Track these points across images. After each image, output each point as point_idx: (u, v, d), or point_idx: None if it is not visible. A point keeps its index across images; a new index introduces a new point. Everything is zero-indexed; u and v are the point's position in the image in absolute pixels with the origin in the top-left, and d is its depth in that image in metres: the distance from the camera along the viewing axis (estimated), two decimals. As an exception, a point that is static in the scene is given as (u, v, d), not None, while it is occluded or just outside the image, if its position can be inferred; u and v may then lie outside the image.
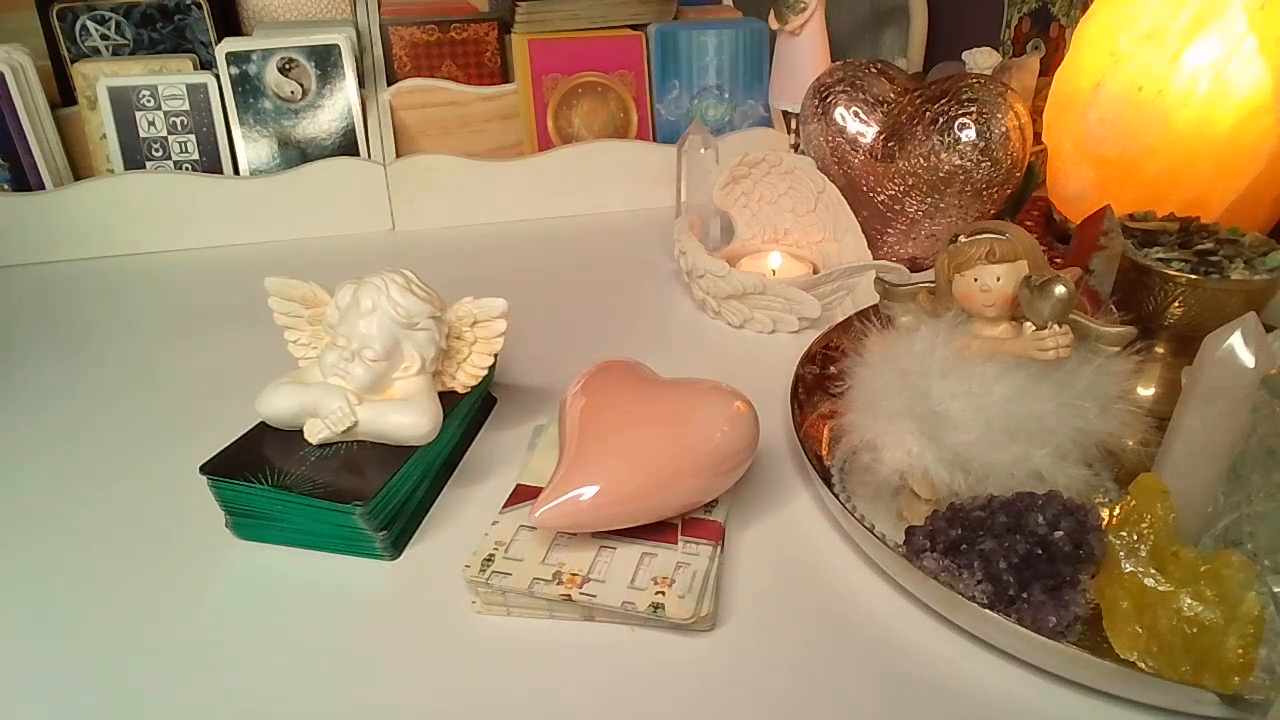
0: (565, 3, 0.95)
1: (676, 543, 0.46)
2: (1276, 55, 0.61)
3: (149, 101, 0.86)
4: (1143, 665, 0.39)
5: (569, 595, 0.43)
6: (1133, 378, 0.45)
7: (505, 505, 0.49)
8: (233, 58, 0.87)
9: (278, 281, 0.53)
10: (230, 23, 0.98)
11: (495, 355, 0.54)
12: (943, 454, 0.45)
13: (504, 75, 0.99)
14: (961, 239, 0.45)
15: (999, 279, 0.44)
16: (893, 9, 1.30)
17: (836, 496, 0.48)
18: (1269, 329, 0.43)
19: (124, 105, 0.86)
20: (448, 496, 0.53)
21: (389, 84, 0.94)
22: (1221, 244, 0.56)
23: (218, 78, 0.87)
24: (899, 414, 0.47)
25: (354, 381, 0.50)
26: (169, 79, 0.86)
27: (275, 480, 0.47)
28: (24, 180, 0.85)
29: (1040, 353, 0.43)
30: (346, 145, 0.91)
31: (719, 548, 0.46)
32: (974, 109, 0.70)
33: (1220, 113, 0.63)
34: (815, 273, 0.75)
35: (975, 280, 0.45)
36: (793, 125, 0.96)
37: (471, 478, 0.54)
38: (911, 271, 0.76)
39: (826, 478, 0.50)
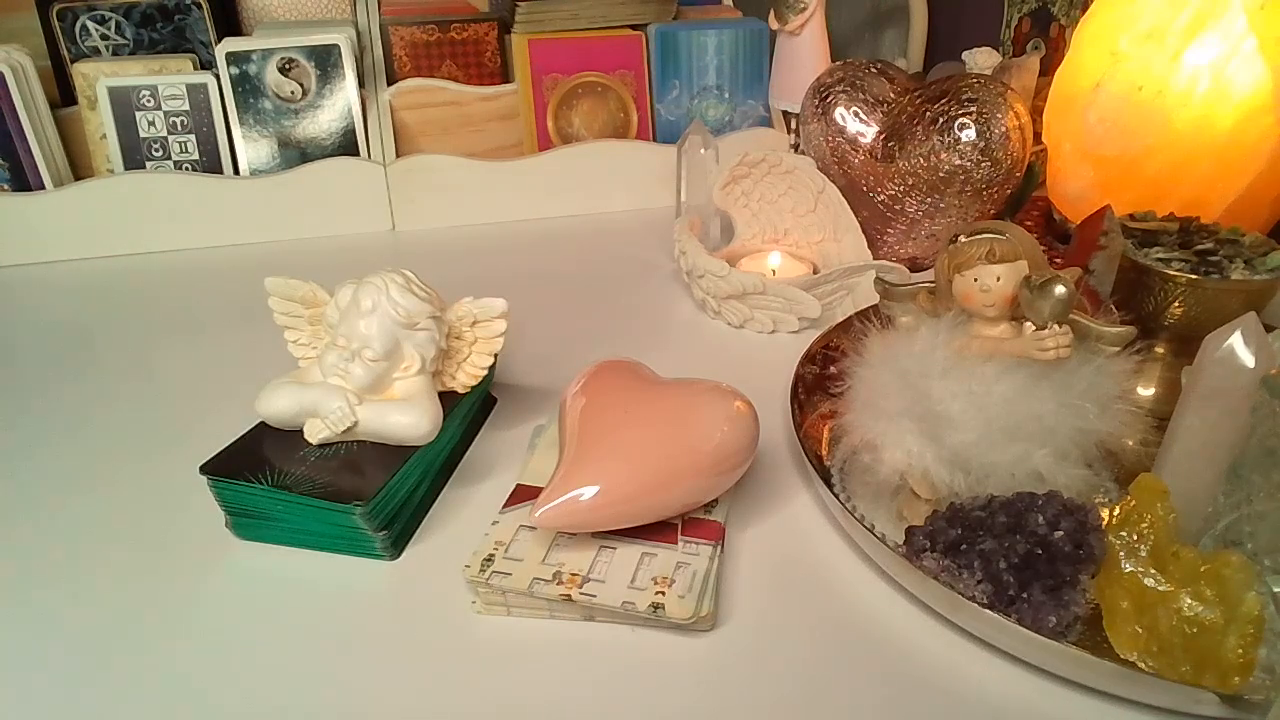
0: (565, 3, 0.95)
1: (676, 543, 0.46)
2: (1276, 55, 0.61)
3: (149, 101, 0.86)
4: (1143, 665, 0.39)
5: (569, 595, 0.43)
6: (1133, 378, 0.45)
7: (505, 505, 0.49)
8: (233, 58, 0.87)
9: (278, 281, 0.53)
10: (230, 23, 0.98)
11: (495, 355, 0.54)
12: (943, 454, 0.45)
13: (504, 75, 0.99)
14: (961, 239, 0.45)
15: (999, 279, 0.44)
16: (893, 9, 1.30)
17: (836, 496, 0.48)
18: (1269, 329, 0.43)
19: (124, 105, 0.86)
20: (448, 496, 0.53)
21: (389, 84, 0.94)
22: (1221, 244, 0.56)
23: (218, 78, 0.87)
24: (899, 414, 0.46)
25: (354, 381, 0.50)
26: (169, 79, 0.86)
27: (275, 480, 0.47)
28: (24, 180, 0.85)
29: (1040, 353, 0.43)
30: (346, 145, 0.91)
31: (719, 548, 0.46)
32: (974, 109, 0.70)
33: (1220, 113, 0.63)
34: (815, 273, 0.75)
35: (975, 280, 0.45)
36: (793, 125, 0.96)
37: (471, 478, 0.54)
38: (911, 271, 0.76)
39: (826, 478, 0.50)
